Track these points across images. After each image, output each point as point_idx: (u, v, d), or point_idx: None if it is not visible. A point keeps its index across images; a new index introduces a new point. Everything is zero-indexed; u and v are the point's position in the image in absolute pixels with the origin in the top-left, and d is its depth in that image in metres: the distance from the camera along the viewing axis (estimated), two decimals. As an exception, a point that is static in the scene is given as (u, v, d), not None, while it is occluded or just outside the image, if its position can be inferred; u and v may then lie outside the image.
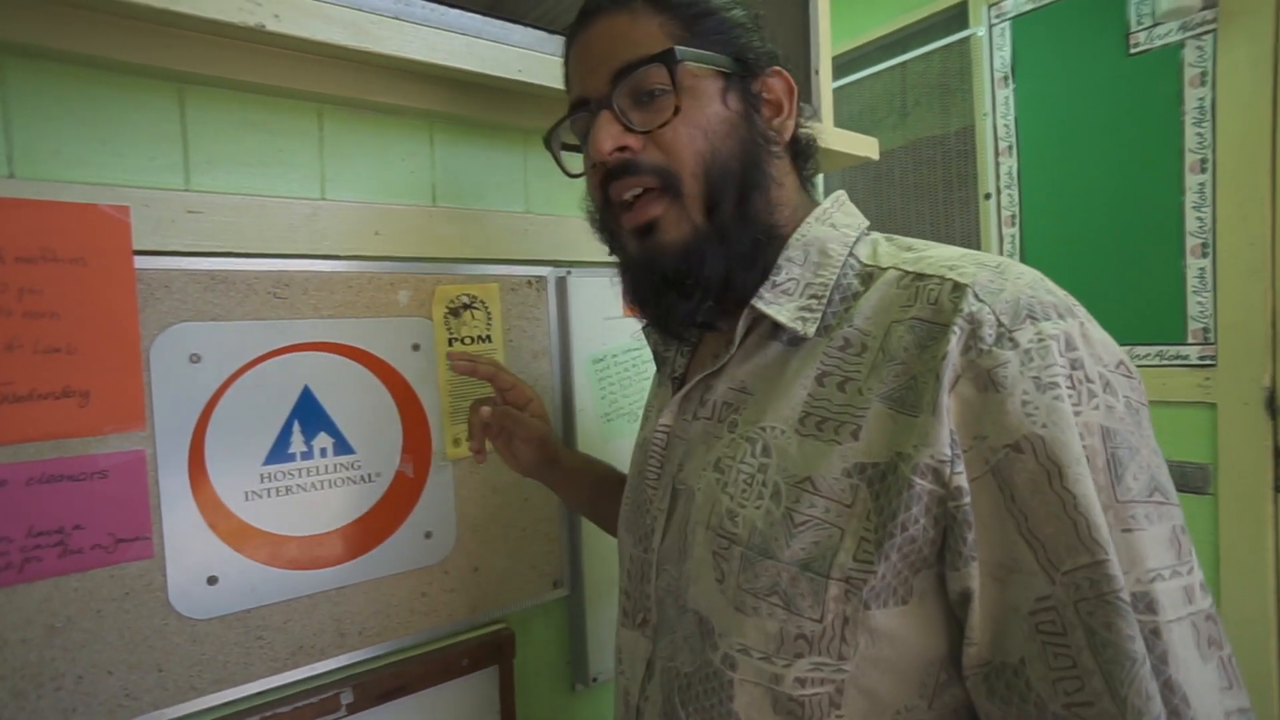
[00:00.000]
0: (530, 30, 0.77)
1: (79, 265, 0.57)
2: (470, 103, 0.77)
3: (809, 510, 0.43)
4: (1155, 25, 1.56)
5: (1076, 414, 0.38)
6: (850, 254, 0.51)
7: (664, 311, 0.52)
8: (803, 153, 0.56)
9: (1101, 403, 0.39)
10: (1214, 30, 1.48)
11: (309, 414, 0.69)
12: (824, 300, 0.49)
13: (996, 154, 1.88)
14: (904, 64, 2.15)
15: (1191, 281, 1.55)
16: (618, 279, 0.57)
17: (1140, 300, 1.63)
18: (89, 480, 0.59)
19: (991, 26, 1.86)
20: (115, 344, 0.59)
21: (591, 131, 0.50)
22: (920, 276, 0.46)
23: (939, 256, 0.47)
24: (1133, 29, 1.60)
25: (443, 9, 0.70)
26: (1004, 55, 1.84)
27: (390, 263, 0.74)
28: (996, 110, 1.87)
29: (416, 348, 0.76)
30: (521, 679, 0.84)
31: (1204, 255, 1.53)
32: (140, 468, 0.61)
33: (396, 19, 0.65)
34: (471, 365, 0.71)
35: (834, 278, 0.50)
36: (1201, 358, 1.54)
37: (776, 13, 1.14)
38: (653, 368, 0.97)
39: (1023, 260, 1.86)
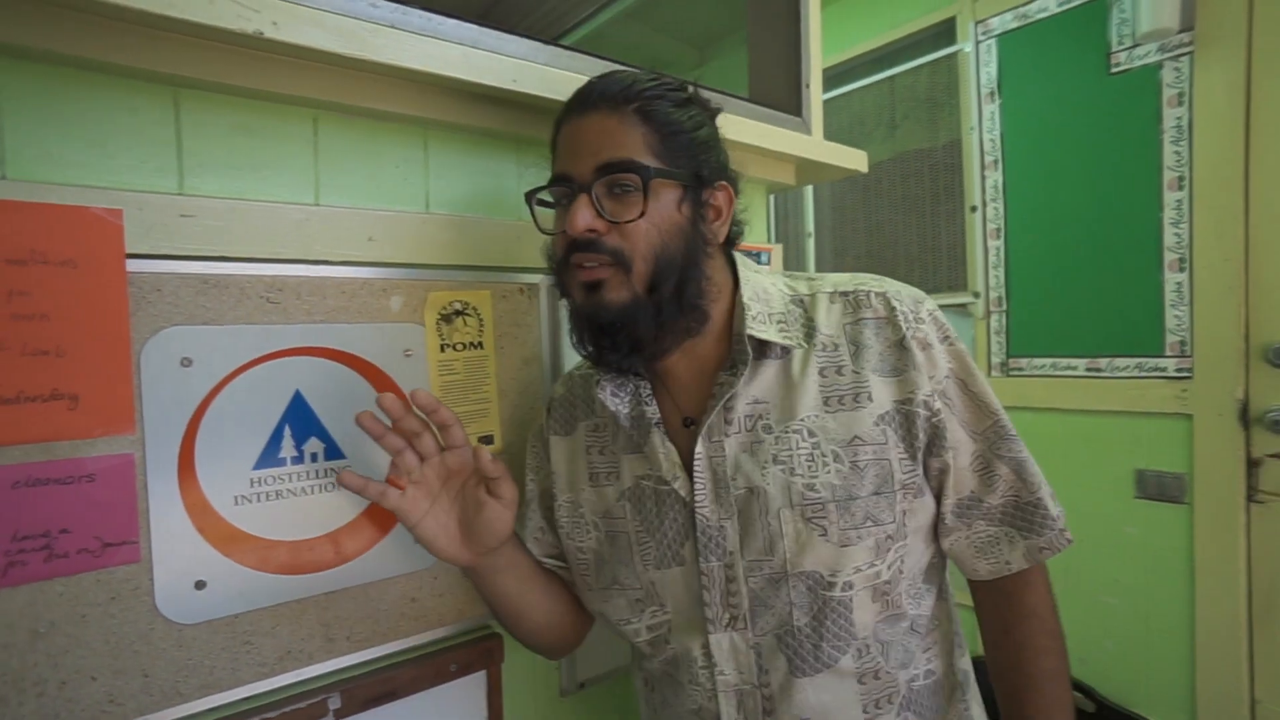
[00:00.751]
0: (525, 41, 0.78)
1: (69, 268, 0.57)
2: (465, 111, 0.78)
3: (864, 457, 0.63)
4: (1135, 46, 1.60)
5: (958, 348, 0.67)
6: (778, 290, 0.70)
7: (598, 354, 0.65)
8: (732, 239, 0.70)
9: (957, 339, 0.67)
10: (1191, 52, 1.52)
11: (300, 419, 0.69)
12: (787, 323, 0.67)
13: (982, 168, 1.91)
14: (892, 78, 2.19)
15: (1169, 295, 1.58)
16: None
17: (1120, 313, 1.67)
18: (76, 484, 0.58)
19: (978, 43, 1.90)
20: (105, 347, 0.59)
21: (570, 210, 0.62)
22: (845, 294, 0.68)
23: (840, 279, 0.70)
24: (1114, 49, 1.64)
25: (439, 19, 0.71)
26: (990, 71, 1.88)
27: (383, 268, 0.75)
28: (983, 125, 1.90)
29: (409, 353, 0.76)
30: (510, 685, 0.84)
31: (1181, 270, 1.56)
32: (129, 471, 0.60)
33: (393, 28, 0.66)
34: (433, 407, 0.64)
35: (783, 306, 0.69)
36: (1179, 370, 1.57)
37: (768, 27, 1.16)
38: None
39: (1008, 272, 1.89)
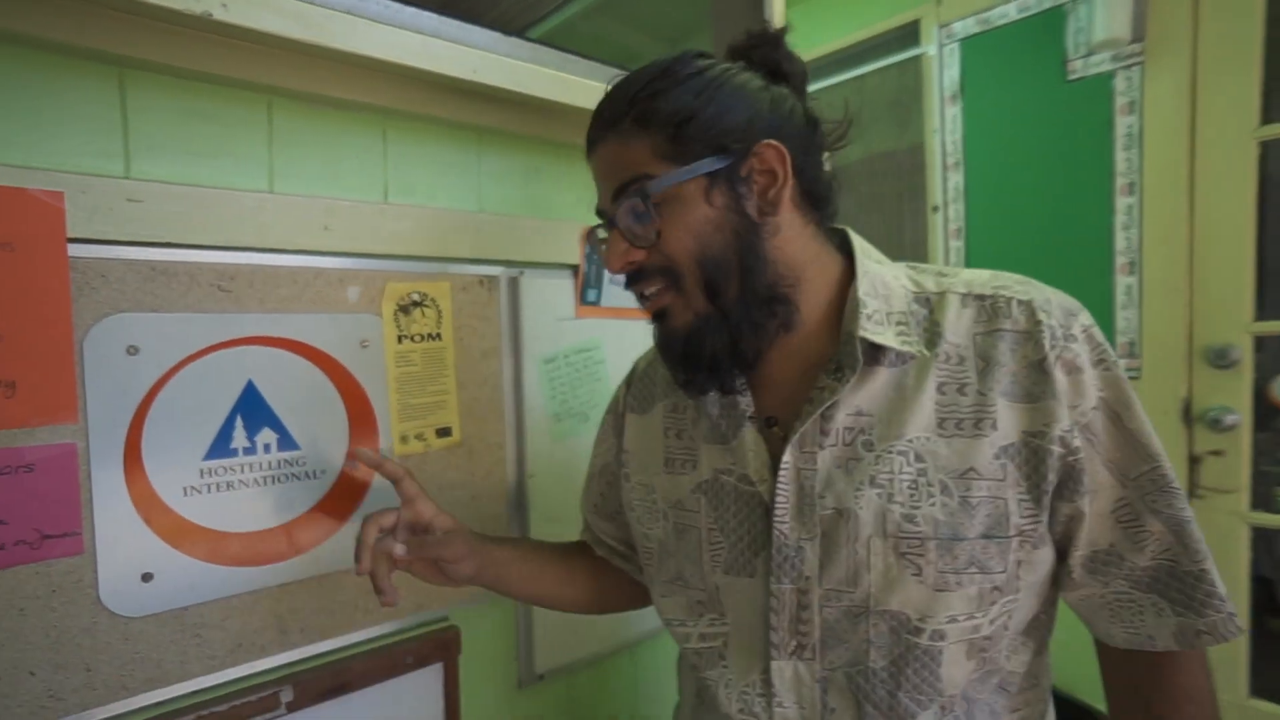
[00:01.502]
0: (487, 32, 0.78)
1: (6, 250, 0.55)
2: (425, 100, 0.77)
3: (978, 493, 0.54)
4: (1090, 54, 1.65)
5: (1114, 374, 0.56)
6: (901, 285, 0.61)
7: (690, 385, 0.61)
8: (820, 199, 0.60)
9: (1116, 364, 0.56)
10: (1141, 62, 1.57)
11: (252, 409, 0.68)
12: (908, 325, 0.58)
13: (945, 169, 1.95)
14: (861, 78, 2.22)
15: (1120, 297, 1.64)
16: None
17: (1072, 313, 1.72)
18: (13, 474, 0.57)
19: (942, 46, 1.93)
20: (45, 333, 0.57)
21: (606, 248, 0.60)
22: (980, 297, 0.58)
23: (976, 279, 0.60)
24: (1070, 57, 1.69)
25: (398, 6, 0.70)
26: (953, 74, 1.92)
27: (340, 258, 0.74)
28: (945, 127, 1.94)
29: (365, 344, 0.76)
30: (467, 677, 0.84)
31: (1131, 273, 1.62)
32: (71, 462, 0.59)
33: (350, 14, 0.65)
34: (378, 462, 0.66)
35: (905, 305, 0.59)
36: (1128, 370, 1.63)
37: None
38: (605, 370, 0.98)
39: (966, 272, 1.93)
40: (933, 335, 0.58)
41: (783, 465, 0.58)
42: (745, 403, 0.62)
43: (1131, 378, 1.62)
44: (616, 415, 0.75)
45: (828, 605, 0.57)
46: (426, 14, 0.72)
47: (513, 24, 0.81)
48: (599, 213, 0.62)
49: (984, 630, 0.55)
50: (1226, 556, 1.51)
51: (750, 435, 0.61)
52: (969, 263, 1.92)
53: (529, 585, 0.74)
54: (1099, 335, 0.57)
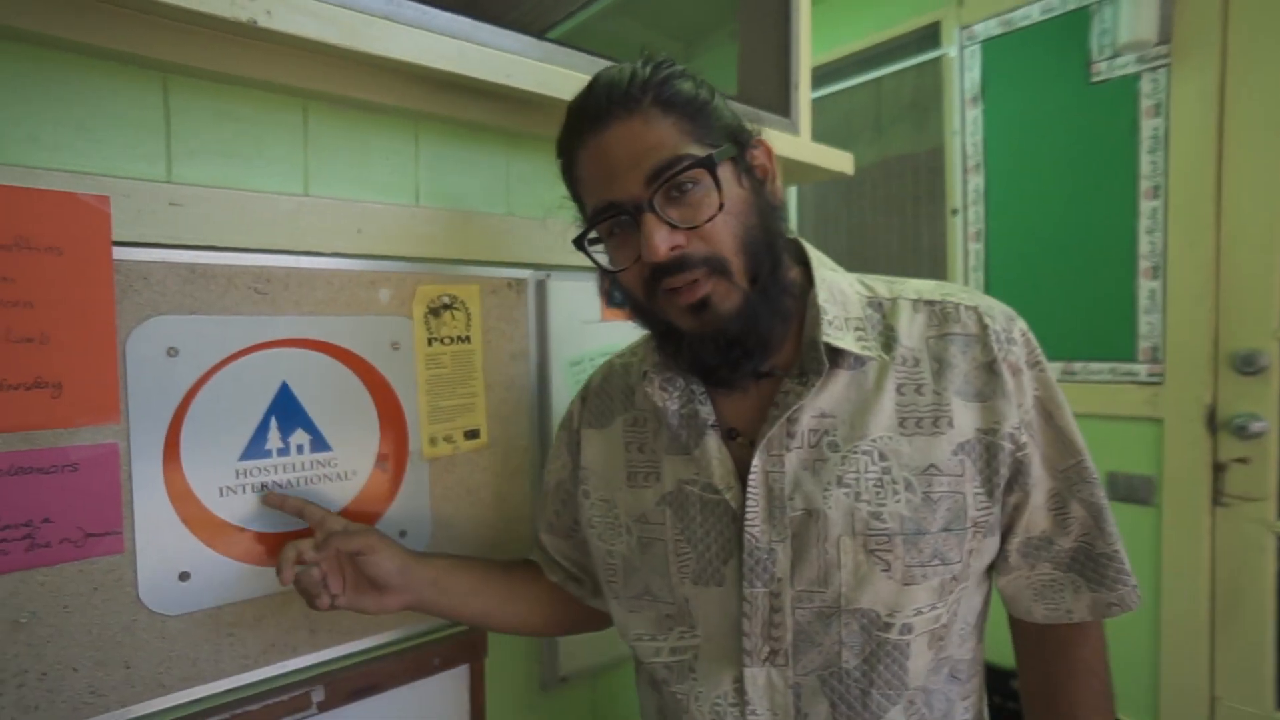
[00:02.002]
0: (520, 36, 0.78)
1: (54, 254, 0.56)
2: (456, 104, 0.78)
3: (939, 489, 0.57)
4: (1115, 56, 1.64)
5: (1046, 376, 0.60)
6: (855, 291, 0.63)
7: (731, 370, 0.59)
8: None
9: (1047, 365, 0.61)
10: (1168, 64, 1.56)
11: (287, 410, 0.69)
12: (865, 330, 0.60)
13: (965, 171, 1.94)
14: (879, 80, 2.21)
15: (1143, 302, 1.62)
16: (655, 356, 0.65)
17: (1094, 317, 1.71)
18: (59, 473, 0.58)
19: (963, 48, 1.92)
20: (90, 335, 0.58)
21: (644, 234, 0.55)
22: (930, 303, 0.62)
23: (924, 286, 0.64)
24: (1094, 59, 1.67)
25: (434, 11, 0.71)
26: (974, 76, 1.90)
27: (372, 260, 0.74)
28: (966, 129, 1.93)
29: (396, 346, 0.76)
30: (492, 679, 0.84)
31: (1155, 277, 1.60)
32: (113, 461, 0.60)
33: (387, 19, 0.65)
34: (280, 500, 0.66)
35: (860, 311, 0.62)
36: (1150, 375, 1.61)
37: (758, 26, 1.17)
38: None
39: (987, 274, 1.92)
40: (888, 339, 0.60)
41: (752, 470, 0.59)
42: (706, 412, 0.62)
43: (1154, 384, 1.60)
44: (571, 431, 0.74)
45: (800, 607, 0.58)
46: (460, 19, 0.73)
47: (533, 25, 0.81)
48: (608, 206, 0.57)
49: (943, 619, 0.58)
50: (1251, 565, 1.50)
51: (713, 444, 0.61)
52: (989, 266, 1.91)
53: (473, 599, 0.71)
54: (1033, 339, 0.62)
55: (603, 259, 0.63)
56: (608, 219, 0.58)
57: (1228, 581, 1.53)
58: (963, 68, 1.93)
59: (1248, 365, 1.49)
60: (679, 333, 0.59)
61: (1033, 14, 1.78)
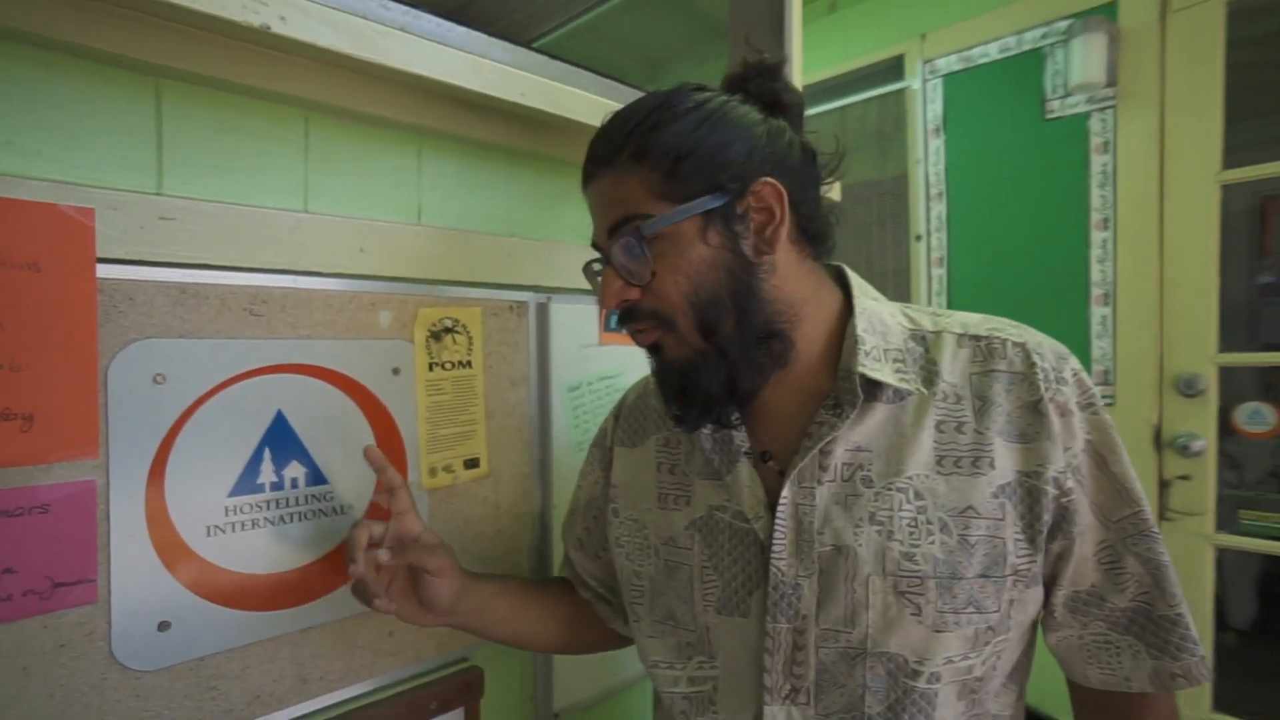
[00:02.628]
0: (535, 55, 0.76)
1: (31, 272, 0.51)
2: (461, 120, 0.75)
3: (976, 532, 0.55)
4: (1067, 95, 1.73)
5: (1101, 419, 0.57)
6: (897, 322, 0.62)
7: (684, 419, 0.60)
8: (817, 234, 0.61)
9: (1102, 408, 0.58)
10: (1114, 105, 1.66)
11: (281, 441, 0.64)
12: (905, 363, 0.59)
13: (928, 199, 2.02)
14: (844, 109, 2.28)
15: (1095, 327, 1.71)
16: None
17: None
18: (26, 515, 0.51)
19: (925, 81, 2.00)
20: (69, 362, 0.52)
21: (601, 284, 0.59)
22: (975, 338, 0.60)
23: (971, 320, 0.62)
24: (1048, 96, 1.77)
25: (449, 25, 0.68)
26: (936, 108, 1.98)
27: (373, 281, 0.70)
28: (929, 158, 2.01)
29: (397, 372, 0.72)
30: (485, 716, 0.80)
31: (1106, 304, 1.69)
32: (89, 501, 0.54)
33: (404, 31, 0.62)
34: (382, 463, 0.64)
35: (902, 343, 0.60)
36: (1103, 397, 1.69)
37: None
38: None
39: (949, 298, 1.99)
40: (930, 374, 0.58)
41: (781, 501, 0.57)
42: (740, 437, 0.61)
43: (1106, 404, 1.69)
44: (604, 449, 0.74)
45: (824, 646, 0.56)
46: (475, 34, 0.70)
47: (521, 36, 0.79)
48: (595, 246, 0.62)
49: (976, 671, 0.55)
50: (1193, 576, 1.58)
51: (745, 471, 0.60)
52: (951, 291, 1.98)
53: (509, 622, 0.71)
54: (1087, 380, 0.59)
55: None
56: (597, 259, 0.62)
57: (1175, 594, 1.61)
58: (925, 100, 2.01)
59: (1189, 388, 1.59)
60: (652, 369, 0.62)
61: (990, 52, 1.87)
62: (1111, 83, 1.66)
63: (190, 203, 0.58)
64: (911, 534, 0.54)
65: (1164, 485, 1.64)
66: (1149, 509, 0.57)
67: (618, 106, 0.83)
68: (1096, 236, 1.70)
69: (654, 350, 0.60)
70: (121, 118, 0.56)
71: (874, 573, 0.54)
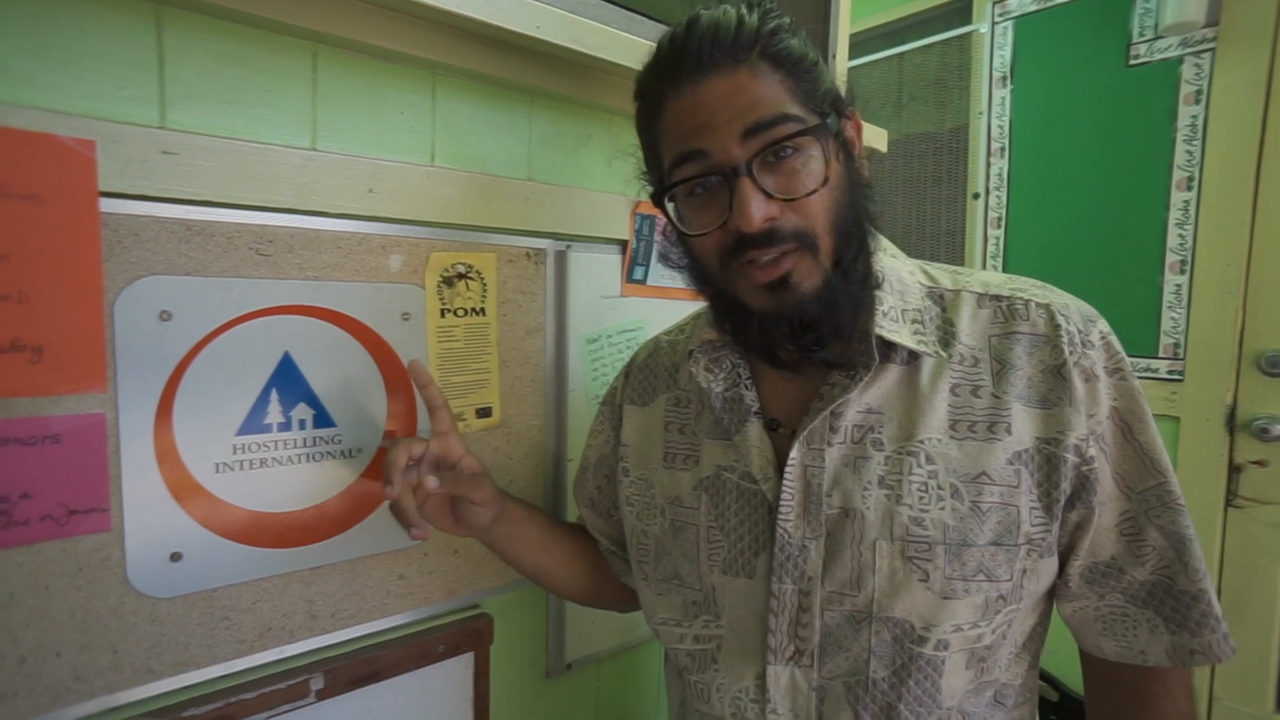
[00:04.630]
0: (551, -17, 0.72)
1: (33, 203, 0.51)
2: (477, 56, 0.71)
3: (989, 499, 0.52)
4: (1157, 39, 1.57)
5: (1130, 384, 0.55)
6: (915, 280, 0.59)
7: (801, 354, 0.54)
8: None
9: (1131, 374, 0.55)
10: (1213, 48, 1.49)
11: (288, 382, 0.64)
12: (923, 324, 0.56)
13: (988, 154, 1.88)
14: (901, 56, 2.13)
15: (1167, 297, 1.58)
16: (708, 324, 0.61)
17: (1116, 311, 1.66)
18: (39, 445, 0.53)
19: (994, 24, 1.85)
20: (74, 295, 0.53)
21: (737, 201, 0.50)
22: (996, 298, 0.57)
23: (993, 279, 0.59)
24: (1134, 40, 1.60)
25: (460, -50, 0.64)
26: (1004, 55, 1.83)
27: (383, 224, 0.69)
28: (992, 110, 1.86)
29: (407, 317, 0.71)
30: (496, 666, 0.81)
31: (1182, 272, 1.56)
32: (99, 433, 0.55)
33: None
34: (426, 379, 0.63)
35: (919, 302, 0.57)
36: (1170, 372, 1.58)
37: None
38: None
39: (1005, 261, 1.87)
40: (947, 335, 0.56)
41: (789, 462, 0.56)
42: (750, 398, 0.60)
43: (1174, 381, 1.57)
44: (613, 406, 0.73)
45: (829, 608, 0.55)
46: (488, -40, 0.66)
47: None
48: (695, 153, 0.51)
49: (985, 640, 0.53)
50: (1262, 568, 1.48)
51: (755, 431, 0.59)
52: (1008, 253, 1.86)
53: (535, 553, 0.71)
54: (1116, 343, 0.56)
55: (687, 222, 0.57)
56: (694, 178, 0.52)
57: (1235, 583, 1.51)
58: (993, 45, 1.85)
59: (1274, 366, 1.46)
60: (747, 310, 0.55)
61: (1071, -10, 1.70)
62: (1212, 22, 1.49)
63: (194, 137, 0.57)
64: (921, 499, 0.53)
65: (1235, 470, 1.52)
66: (1175, 480, 0.55)
67: (648, 45, 0.79)
68: (1177, 197, 1.56)
69: (777, 286, 0.52)
70: (122, 47, 0.54)
71: (881, 537, 0.53)
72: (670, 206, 0.56)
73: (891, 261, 0.59)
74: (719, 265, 0.54)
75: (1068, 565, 0.56)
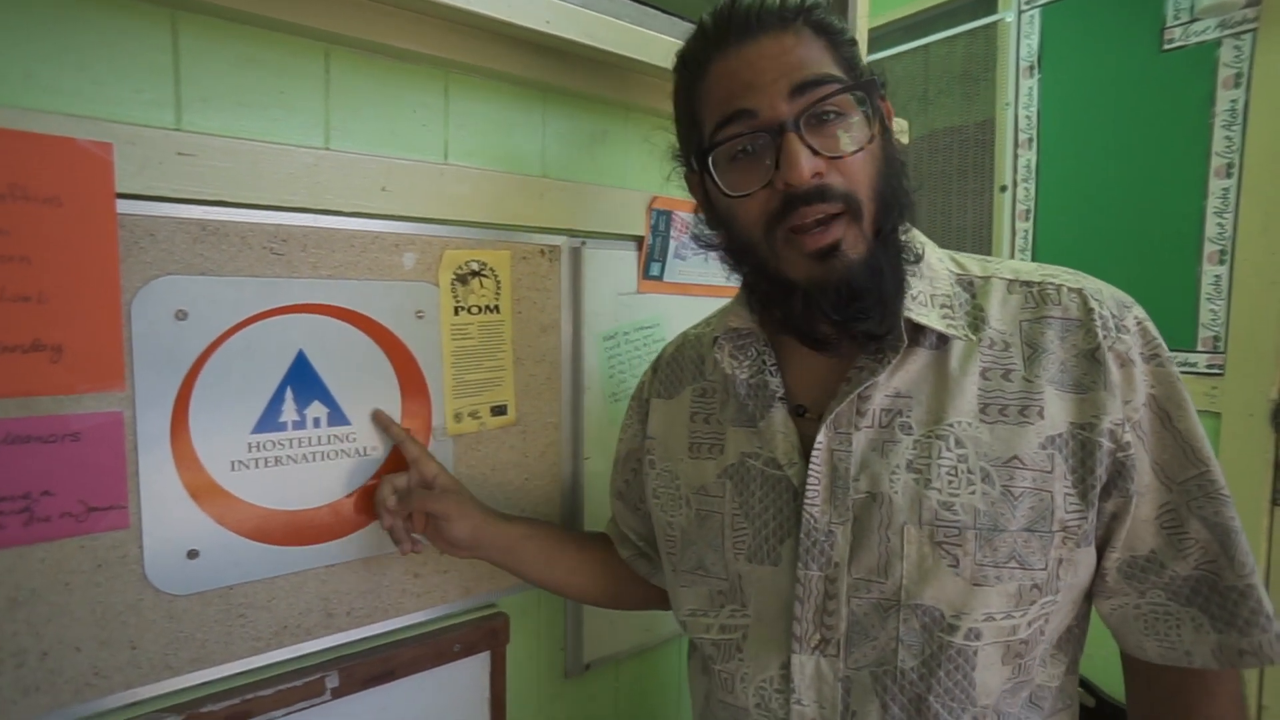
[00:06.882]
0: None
1: (53, 205, 0.52)
2: (490, 54, 0.71)
3: (1021, 484, 0.51)
4: (1192, 21, 1.52)
5: (1168, 370, 0.53)
6: (944, 267, 0.59)
7: (846, 327, 0.53)
8: None
9: (1169, 360, 0.53)
10: (1254, 29, 1.44)
11: (303, 381, 0.64)
12: (952, 309, 0.55)
13: (1016, 146, 1.83)
14: (927, 48, 2.09)
15: (1206, 288, 1.52)
16: (746, 301, 0.61)
17: (1152, 304, 1.59)
18: (59, 443, 0.54)
19: (1021, 13, 1.80)
20: (93, 295, 0.53)
21: (786, 155, 0.50)
22: (1027, 284, 0.56)
23: (1024, 267, 0.58)
24: (1168, 24, 1.55)
25: (468, -54, 0.64)
26: (1031, 44, 1.79)
27: (396, 222, 0.69)
28: (1019, 101, 1.82)
29: (420, 315, 0.71)
30: (513, 665, 0.81)
31: (1221, 262, 1.50)
32: (117, 431, 0.56)
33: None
34: (386, 423, 0.69)
35: (949, 288, 0.57)
36: (1210, 366, 1.52)
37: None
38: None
39: (1035, 255, 1.83)
40: (977, 320, 0.55)
41: (816, 446, 0.55)
42: (775, 383, 0.59)
43: (1214, 375, 1.51)
44: (641, 401, 0.73)
45: (856, 596, 0.53)
46: (497, -45, 0.66)
47: None
48: (743, 112, 0.51)
49: (1021, 633, 0.52)
50: (1309, 571, 1.42)
51: (780, 417, 0.58)
52: (1037, 246, 1.81)
53: (540, 568, 0.73)
54: (1153, 329, 0.54)
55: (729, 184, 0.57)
56: (741, 135, 0.52)
57: (1282, 586, 1.45)
58: (1019, 34, 1.81)
59: (1320, 360, 1.40)
60: (789, 284, 0.54)
61: (1101, -25, 1.65)
62: (1253, 3, 1.43)
63: (208, 139, 0.58)
64: (951, 483, 0.51)
65: (1279, 468, 1.46)
66: (1219, 470, 0.52)
67: (662, 39, 0.78)
68: (1216, 185, 1.50)
69: (826, 254, 0.51)
70: (138, 51, 0.55)
71: (909, 521, 0.52)
72: (712, 173, 0.55)
73: (918, 246, 0.58)
74: (763, 233, 0.53)
75: (1104, 559, 0.54)
